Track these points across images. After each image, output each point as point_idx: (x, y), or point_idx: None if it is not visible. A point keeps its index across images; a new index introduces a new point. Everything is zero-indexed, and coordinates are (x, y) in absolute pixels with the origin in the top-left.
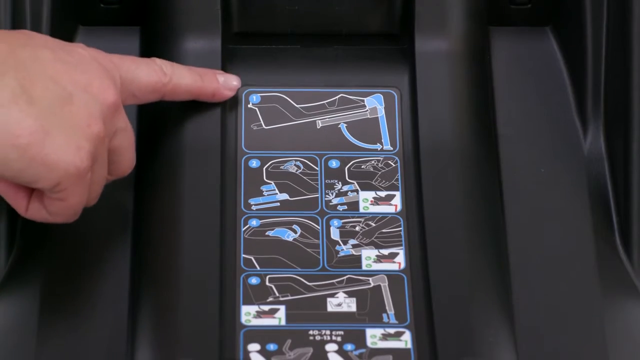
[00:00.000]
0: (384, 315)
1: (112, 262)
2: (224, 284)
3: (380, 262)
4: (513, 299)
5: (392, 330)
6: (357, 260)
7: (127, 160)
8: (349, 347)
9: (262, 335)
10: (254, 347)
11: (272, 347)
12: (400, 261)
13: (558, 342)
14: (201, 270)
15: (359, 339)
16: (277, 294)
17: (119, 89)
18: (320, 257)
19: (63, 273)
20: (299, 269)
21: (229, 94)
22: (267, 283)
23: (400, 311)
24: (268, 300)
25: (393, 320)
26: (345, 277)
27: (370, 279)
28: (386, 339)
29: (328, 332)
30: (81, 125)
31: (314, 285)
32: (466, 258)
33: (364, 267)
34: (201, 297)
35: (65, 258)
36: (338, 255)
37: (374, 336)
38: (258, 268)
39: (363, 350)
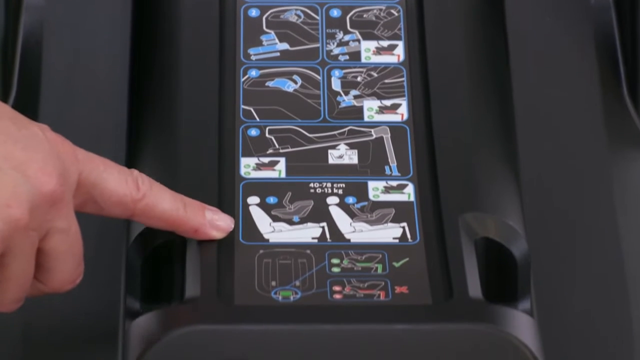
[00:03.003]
0: (386, 168)
1: (109, 111)
2: (223, 136)
3: (383, 113)
4: (519, 152)
5: (394, 183)
6: (358, 111)
7: (65, 271)
8: (350, 200)
9: (261, 187)
10: (253, 200)
11: (272, 200)
12: (403, 112)
13: (564, 194)
14: (199, 122)
15: (361, 191)
16: (277, 146)
17: (67, 183)
18: (321, 108)
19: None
20: (300, 121)
21: (216, 235)
22: (267, 135)
23: (403, 163)
24: (268, 152)
25: (395, 173)
26: (346, 129)
27: (372, 130)
28: (388, 192)
29: (329, 184)
30: None
31: (314, 136)
32: (470, 110)
33: (365, 119)
34: (199, 149)
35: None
36: (339, 107)
37: (376, 189)
38: (257, 119)
39: (365, 203)
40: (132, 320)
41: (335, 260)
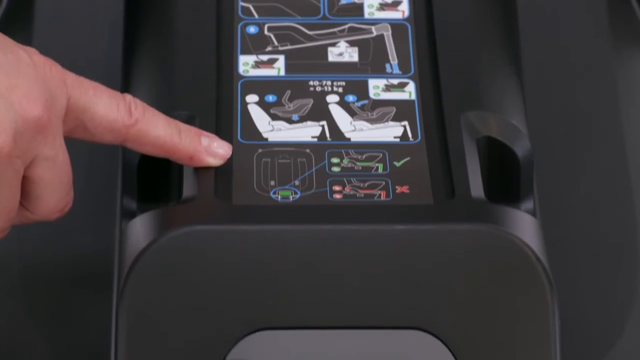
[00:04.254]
0: (387, 66)
1: (104, 14)
2: (221, 34)
3: (384, 10)
4: (521, 53)
5: (395, 81)
6: (359, 8)
7: (52, 199)
8: (350, 98)
9: (260, 86)
10: (252, 98)
11: (270, 98)
12: (404, 9)
13: (567, 94)
14: (197, 19)
15: (361, 90)
16: (276, 44)
17: (54, 109)
18: (321, 5)
19: None
20: (299, 18)
21: (213, 162)
22: (266, 32)
23: (404, 61)
24: (267, 50)
25: (396, 71)
26: (346, 26)
27: (372, 27)
28: (389, 90)
29: (329, 82)
30: None
31: (314, 34)
32: (472, 8)
33: (366, 16)
34: (197, 47)
35: None
36: (339, 3)
37: (376, 87)
38: (256, 16)
39: (365, 102)
40: (129, 220)
41: (335, 160)
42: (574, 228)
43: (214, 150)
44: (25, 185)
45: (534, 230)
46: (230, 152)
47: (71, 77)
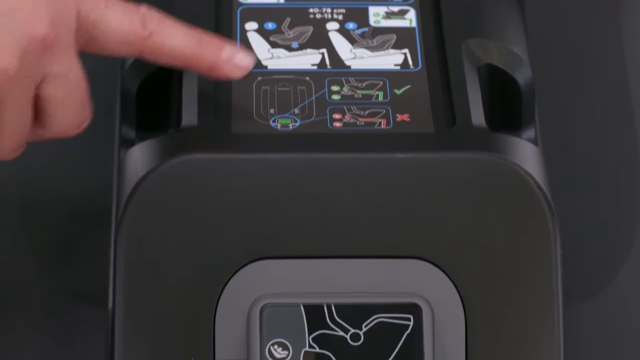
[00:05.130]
0: None
1: None
2: None
3: None
4: None
5: (396, 9)
6: None
7: (67, 116)
8: (350, 25)
9: (259, 13)
10: (251, 25)
11: (270, 25)
12: None
13: (570, 21)
14: None
15: (362, 17)
16: None
17: (63, 25)
18: None
19: None
20: None
21: (234, 73)
22: None
23: None
24: None
25: None
26: None
27: None
28: (389, 18)
29: (329, 10)
30: None
31: None
32: None
33: None
34: None
35: None
36: None
37: (377, 14)
38: None
39: (365, 30)
40: (128, 149)
41: (335, 88)
42: (576, 157)
43: (236, 61)
44: (38, 104)
45: (536, 158)
46: (254, 62)
47: None
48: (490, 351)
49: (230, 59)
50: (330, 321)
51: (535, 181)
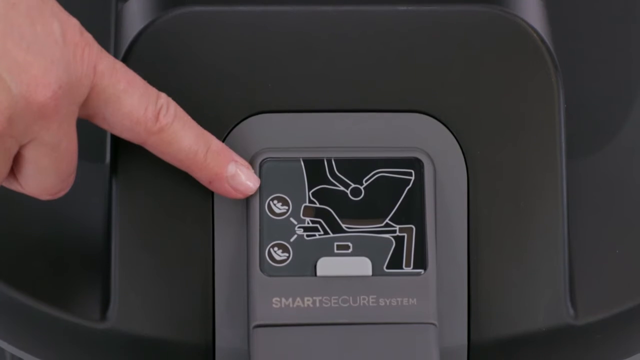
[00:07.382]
0: None
1: None
2: None
3: None
4: None
5: None
6: None
7: (44, 182)
8: None
9: None
10: None
11: None
12: None
13: None
14: None
15: None
16: None
17: (69, 96)
18: None
19: None
20: None
21: (232, 194)
22: None
23: None
24: None
25: None
26: None
27: None
28: None
29: None
30: None
31: None
32: None
33: None
34: None
35: None
36: None
37: None
38: None
39: None
40: (125, 0)
41: None
42: (579, 9)
43: (237, 181)
44: (18, 161)
45: (539, 11)
46: (255, 189)
47: (105, 64)
48: (492, 205)
49: (233, 177)
50: (331, 176)
51: (538, 34)
